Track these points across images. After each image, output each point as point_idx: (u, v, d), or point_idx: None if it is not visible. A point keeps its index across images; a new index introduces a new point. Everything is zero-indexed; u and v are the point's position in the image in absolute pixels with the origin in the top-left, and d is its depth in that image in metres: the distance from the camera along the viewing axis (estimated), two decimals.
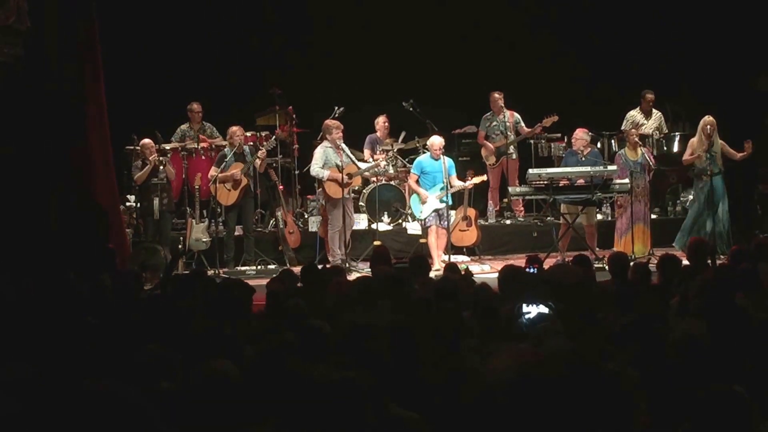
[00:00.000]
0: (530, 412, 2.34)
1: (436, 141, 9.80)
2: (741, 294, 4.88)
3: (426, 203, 9.72)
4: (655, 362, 3.56)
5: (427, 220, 9.74)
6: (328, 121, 10.13)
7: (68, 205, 8.25)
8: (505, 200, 11.49)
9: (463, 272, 6.93)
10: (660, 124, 11.36)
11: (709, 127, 9.83)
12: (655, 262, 8.75)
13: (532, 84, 12.08)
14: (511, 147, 11.23)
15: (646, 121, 11.31)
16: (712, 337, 3.67)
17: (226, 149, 10.16)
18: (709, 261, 6.45)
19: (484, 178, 10.56)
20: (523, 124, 11.25)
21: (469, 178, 10.22)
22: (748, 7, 11.44)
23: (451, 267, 6.64)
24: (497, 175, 11.31)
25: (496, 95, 11.25)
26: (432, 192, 9.71)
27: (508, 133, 11.15)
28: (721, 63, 11.64)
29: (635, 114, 11.37)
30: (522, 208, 11.42)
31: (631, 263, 6.60)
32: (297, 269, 8.38)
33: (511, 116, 11.24)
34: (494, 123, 11.32)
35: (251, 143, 10.58)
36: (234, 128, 10.15)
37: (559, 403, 2.36)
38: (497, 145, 11.25)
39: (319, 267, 6.68)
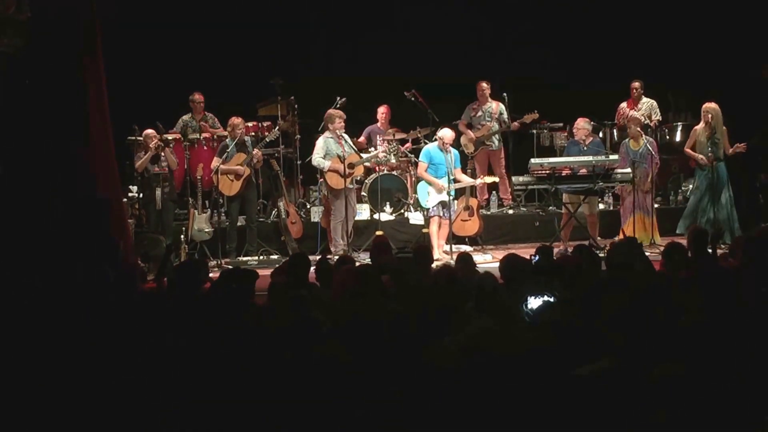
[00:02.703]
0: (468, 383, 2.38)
1: (448, 134, 9.69)
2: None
3: (434, 193, 9.64)
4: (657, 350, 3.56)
5: (431, 210, 9.72)
6: (331, 111, 10.12)
7: (70, 197, 8.24)
8: (494, 194, 11.50)
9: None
10: (650, 111, 11.32)
11: (710, 115, 9.88)
12: (658, 250, 8.79)
13: (534, 76, 12.05)
14: (494, 137, 11.22)
15: (635, 112, 11.29)
16: (714, 328, 3.67)
17: (227, 140, 10.15)
18: (710, 248, 6.42)
19: (496, 178, 10.57)
20: (506, 116, 11.22)
21: (481, 176, 10.24)
22: None
23: (463, 257, 6.55)
24: (482, 165, 11.30)
25: (484, 85, 11.25)
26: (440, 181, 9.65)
27: (492, 122, 11.15)
28: (727, 53, 11.59)
29: (624, 105, 11.38)
30: (510, 197, 11.41)
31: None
32: None
33: (496, 107, 11.23)
34: (479, 113, 11.32)
35: (253, 133, 10.58)
36: (234, 119, 10.13)
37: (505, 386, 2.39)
38: (478, 135, 11.26)
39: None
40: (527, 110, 11.23)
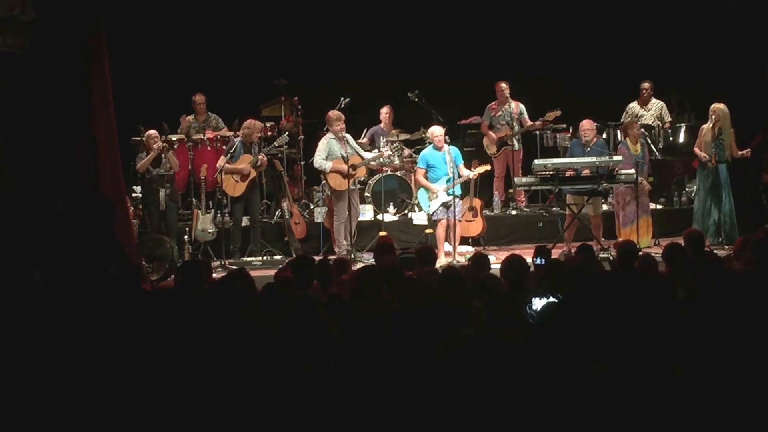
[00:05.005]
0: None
1: (436, 130, 9.66)
2: None
3: (435, 198, 9.60)
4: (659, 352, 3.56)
5: (436, 213, 9.66)
6: (330, 113, 10.10)
7: (74, 197, 8.25)
8: (510, 190, 11.48)
9: (467, 262, 6.90)
10: (661, 113, 11.31)
11: (714, 115, 9.89)
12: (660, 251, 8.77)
13: (537, 75, 12.04)
14: (514, 138, 11.21)
15: (645, 112, 11.27)
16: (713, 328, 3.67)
17: (236, 140, 10.13)
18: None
19: (488, 167, 10.51)
20: (526, 115, 11.22)
21: (474, 168, 10.20)
22: None
23: (478, 258, 6.45)
24: (501, 165, 11.29)
25: (503, 85, 11.20)
26: (439, 185, 9.61)
27: (513, 123, 11.15)
28: (731, 53, 11.58)
29: (634, 106, 11.37)
30: (524, 199, 11.40)
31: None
32: None
33: (516, 107, 11.22)
34: (499, 113, 11.29)
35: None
36: (253, 122, 10.08)
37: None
38: (500, 136, 11.23)
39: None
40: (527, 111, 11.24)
